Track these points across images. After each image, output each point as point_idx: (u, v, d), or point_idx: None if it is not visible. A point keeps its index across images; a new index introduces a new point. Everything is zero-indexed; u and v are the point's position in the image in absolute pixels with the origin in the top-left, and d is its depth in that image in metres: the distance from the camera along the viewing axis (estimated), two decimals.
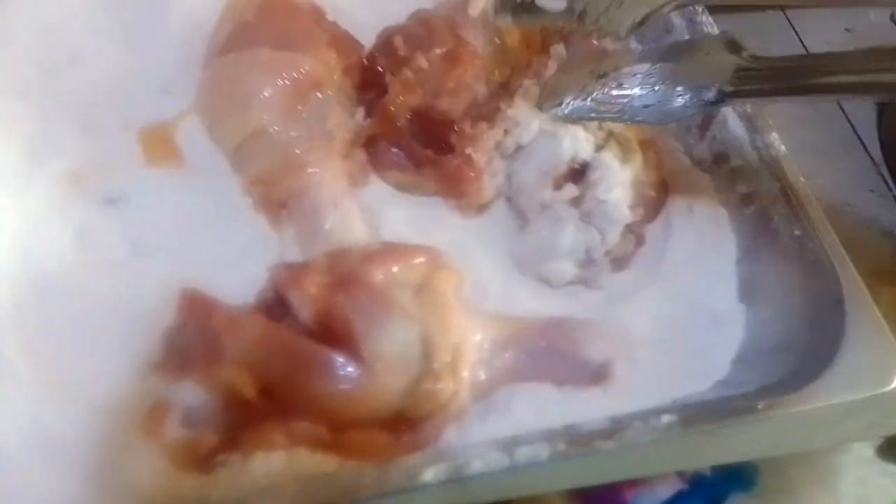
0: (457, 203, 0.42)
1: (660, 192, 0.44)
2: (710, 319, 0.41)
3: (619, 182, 0.41)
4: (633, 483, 0.69)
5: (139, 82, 0.44)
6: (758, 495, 0.64)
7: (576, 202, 0.41)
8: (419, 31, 0.45)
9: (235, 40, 0.44)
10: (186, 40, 0.45)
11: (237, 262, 0.40)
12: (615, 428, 0.33)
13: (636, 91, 0.39)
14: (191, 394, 0.35)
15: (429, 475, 0.30)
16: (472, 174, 0.41)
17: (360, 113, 0.45)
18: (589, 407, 0.37)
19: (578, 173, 0.42)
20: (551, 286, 0.41)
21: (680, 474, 0.68)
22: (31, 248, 0.37)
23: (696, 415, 0.35)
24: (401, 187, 0.44)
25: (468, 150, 0.41)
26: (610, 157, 0.41)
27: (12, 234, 0.37)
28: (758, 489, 0.64)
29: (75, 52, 0.44)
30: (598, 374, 0.38)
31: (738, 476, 0.67)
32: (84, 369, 0.35)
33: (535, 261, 0.41)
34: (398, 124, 0.42)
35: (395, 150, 0.43)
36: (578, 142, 0.42)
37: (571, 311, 0.40)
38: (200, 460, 0.33)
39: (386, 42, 0.45)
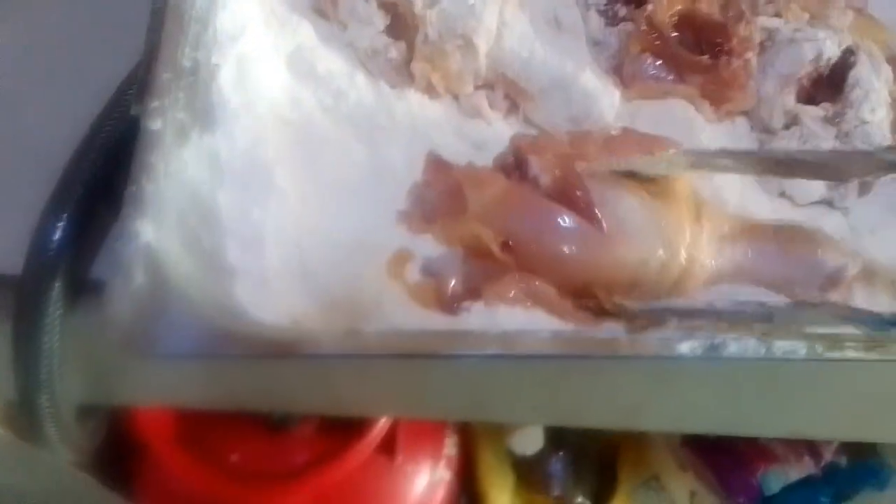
0: (714, 109, 0.41)
1: None
2: None
3: (882, 102, 0.39)
4: (766, 458, 0.68)
5: None
6: (891, 496, 0.61)
7: (831, 120, 0.40)
8: None
9: None
10: None
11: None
12: (874, 341, 0.32)
13: None
14: (431, 245, 0.36)
15: (685, 348, 0.30)
16: (747, 79, 0.40)
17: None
18: None
19: (828, 87, 0.40)
20: (794, 203, 0.40)
21: (815, 460, 0.66)
22: (302, 99, 0.39)
23: None
24: (644, 96, 0.42)
25: (748, 55, 0.39)
26: (869, 75, 0.39)
27: (283, 84, 0.39)
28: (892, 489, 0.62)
29: None
30: (830, 281, 0.37)
31: (873, 473, 0.65)
32: (337, 210, 0.37)
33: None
34: (665, 34, 0.40)
35: (654, 62, 0.41)
36: (821, 42, 0.40)
37: None
38: (446, 303, 0.34)
39: None
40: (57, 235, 0.35)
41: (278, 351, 0.29)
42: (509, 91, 0.41)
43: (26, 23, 0.42)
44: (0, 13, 0.42)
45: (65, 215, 0.35)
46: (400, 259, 0.36)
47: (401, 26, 0.40)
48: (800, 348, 0.31)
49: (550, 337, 0.30)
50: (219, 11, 0.36)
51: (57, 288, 0.35)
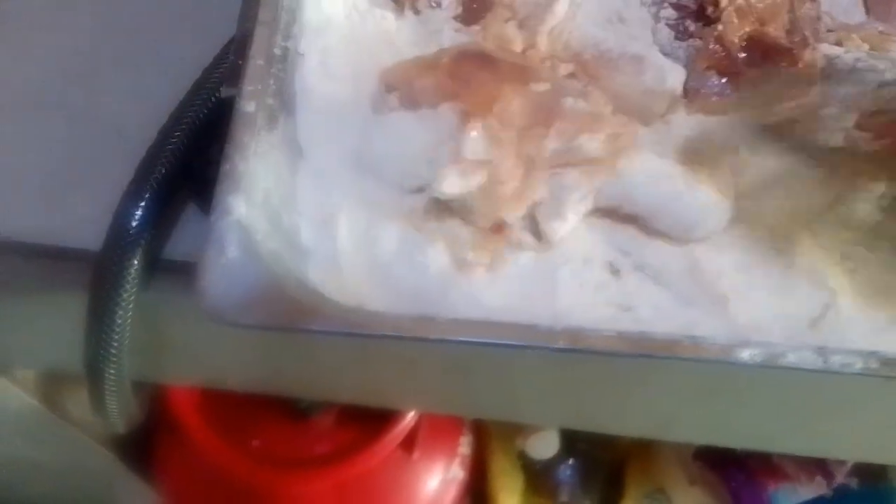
0: None
1: None
2: None
3: None
4: (778, 476, 0.69)
5: None
6: None
7: None
8: None
9: None
10: None
11: None
12: None
13: None
14: None
15: (745, 354, 0.31)
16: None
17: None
18: None
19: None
20: None
21: (827, 481, 0.67)
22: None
23: None
24: (705, 112, 0.43)
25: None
26: None
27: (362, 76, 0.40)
28: None
29: None
30: None
31: (884, 497, 0.65)
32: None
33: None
34: (732, 53, 0.41)
35: (719, 79, 0.42)
36: (881, 73, 0.40)
37: None
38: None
39: None
40: (138, 214, 0.36)
41: (356, 331, 0.30)
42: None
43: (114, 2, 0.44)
44: None
45: (147, 195, 0.37)
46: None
47: (472, 12, 0.41)
48: (856, 362, 0.32)
49: (616, 336, 0.31)
50: (306, 4, 0.38)
51: (135, 266, 0.36)
